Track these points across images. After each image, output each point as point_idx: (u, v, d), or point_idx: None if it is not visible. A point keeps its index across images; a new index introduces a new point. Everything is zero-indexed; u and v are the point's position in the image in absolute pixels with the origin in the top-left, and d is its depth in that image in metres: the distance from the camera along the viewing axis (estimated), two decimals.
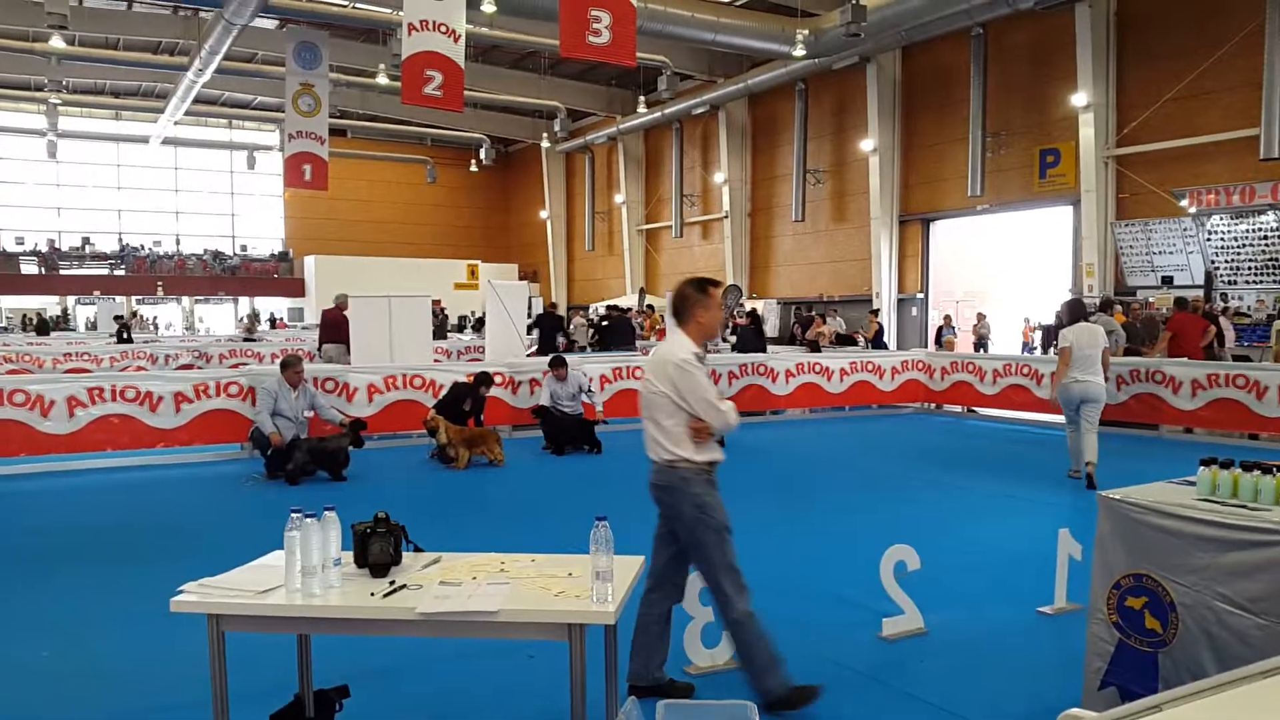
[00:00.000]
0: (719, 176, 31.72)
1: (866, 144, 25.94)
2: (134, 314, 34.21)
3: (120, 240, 40.78)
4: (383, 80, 27.29)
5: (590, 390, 12.16)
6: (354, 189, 42.39)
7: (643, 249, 36.85)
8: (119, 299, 35.62)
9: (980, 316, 23.35)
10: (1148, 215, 19.76)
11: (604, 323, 22.76)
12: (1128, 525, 3.47)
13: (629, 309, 26.68)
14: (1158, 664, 3.37)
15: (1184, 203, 18.84)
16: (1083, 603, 4.84)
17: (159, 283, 39.18)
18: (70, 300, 37.96)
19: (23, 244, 38.80)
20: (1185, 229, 18.78)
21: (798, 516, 8.14)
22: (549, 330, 18.99)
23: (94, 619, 5.40)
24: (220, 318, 41.18)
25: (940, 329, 22.73)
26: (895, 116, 25.76)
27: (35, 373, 16.25)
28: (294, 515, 3.21)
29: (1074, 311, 9.78)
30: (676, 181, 33.67)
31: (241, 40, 23.33)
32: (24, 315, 34.99)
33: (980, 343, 22.71)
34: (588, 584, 3.15)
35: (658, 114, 31.49)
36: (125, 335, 22.52)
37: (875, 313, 21.27)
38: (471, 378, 11.74)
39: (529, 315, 19.85)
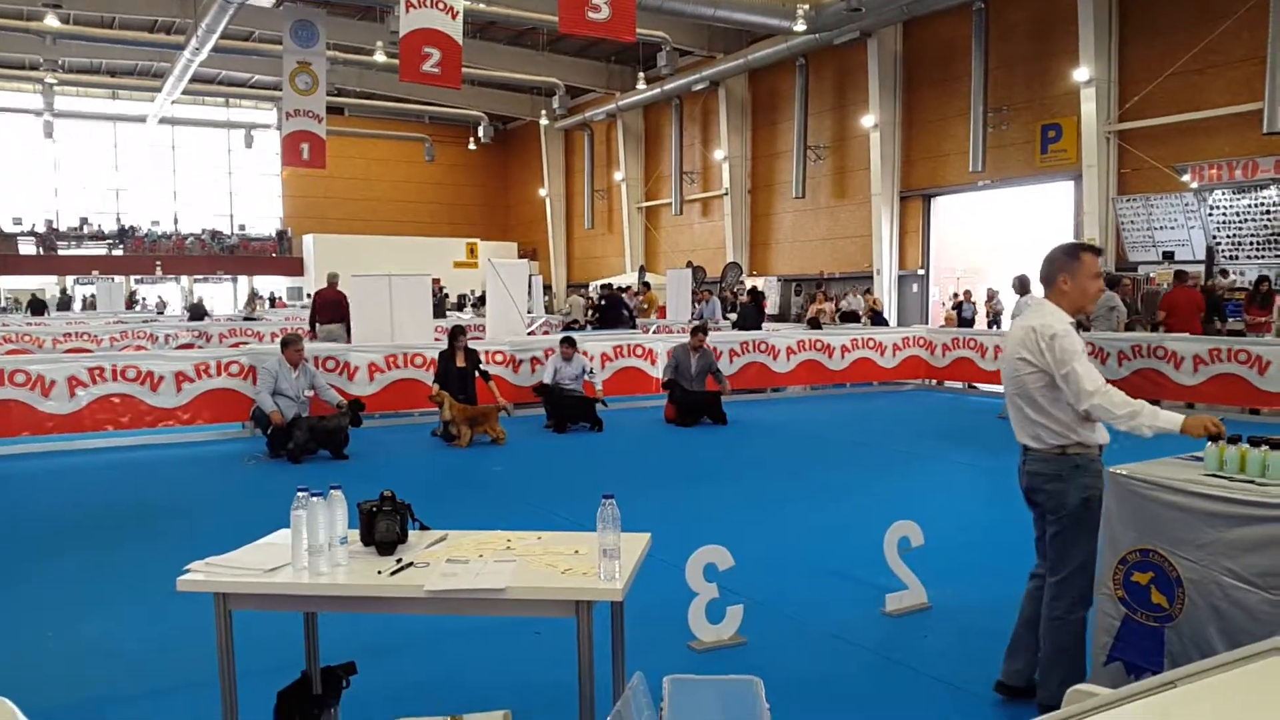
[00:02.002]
0: (719, 153, 31.57)
1: (867, 120, 25.80)
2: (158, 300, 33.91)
3: (118, 220, 40.64)
4: (380, 58, 27.12)
5: (592, 371, 12.27)
6: (352, 167, 42.22)
7: (642, 226, 36.74)
8: (118, 279, 35.47)
9: (992, 293, 23.04)
10: (1149, 190, 19.69)
11: (602, 302, 22.82)
12: (1135, 501, 3.46)
13: (627, 287, 26.65)
14: (1164, 639, 3.38)
15: (1185, 178, 18.77)
16: None
17: (158, 262, 39.13)
18: (69, 280, 37.87)
19: (20, 224, 38.67)
20: (1187, 204, 18.71)
21: (800, 494, 8.16)
22: (613, 311, 20.16)
23: (98, 599, 5.41)
24: (219, 297, 41.07)
25: (960, 304, 22.38)
26: (896, 92, 25.60)
27: (35, 353, 16.23)
28: (300, 494, 3.21)
29: (1024, 285, 11.54)
30: (676, 158, 33.52)
31: (238, 18, 23.15)
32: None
33: (995, 320, 22.37)
34: (594, 561, 3.15)
35: (657, 90, 31.31)
36: (200, 315, 23.18)
37: (869, 291, 21.27)
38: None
39: (529, 294, 20.06)
